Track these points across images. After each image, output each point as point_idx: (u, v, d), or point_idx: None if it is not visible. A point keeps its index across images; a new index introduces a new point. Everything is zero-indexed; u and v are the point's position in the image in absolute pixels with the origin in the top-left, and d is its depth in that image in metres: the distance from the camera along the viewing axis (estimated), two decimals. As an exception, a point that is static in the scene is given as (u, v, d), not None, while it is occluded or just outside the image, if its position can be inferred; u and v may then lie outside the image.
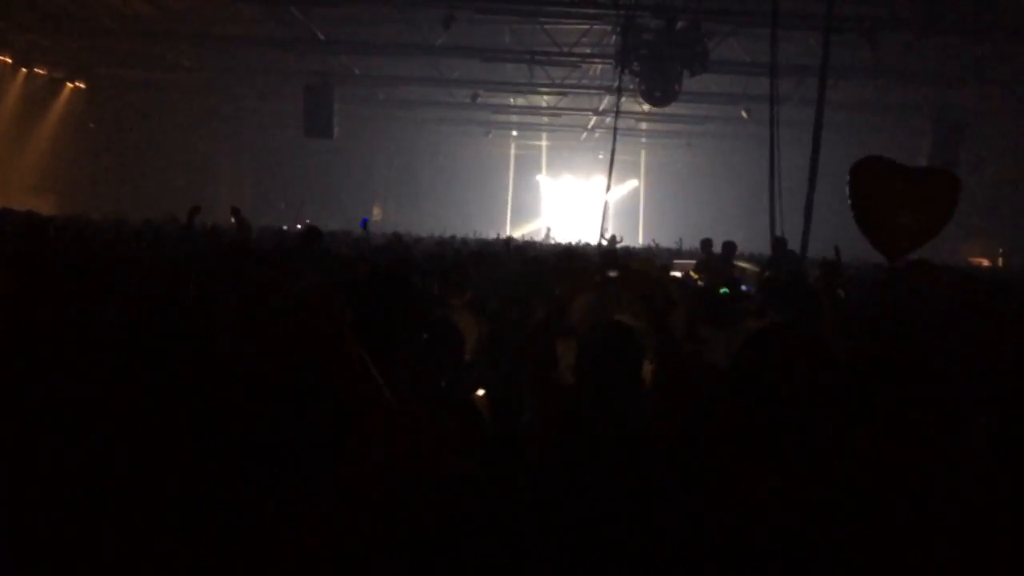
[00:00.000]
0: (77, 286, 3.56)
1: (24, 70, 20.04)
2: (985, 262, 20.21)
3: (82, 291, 3.36)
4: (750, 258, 11.51)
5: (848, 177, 2.97)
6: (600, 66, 17.89)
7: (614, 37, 14.45)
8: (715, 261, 10.05)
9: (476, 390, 3.10)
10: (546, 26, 15.61)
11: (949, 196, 2.83)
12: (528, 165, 32.25)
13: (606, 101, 20.22)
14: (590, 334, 2.65)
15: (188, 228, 6.94)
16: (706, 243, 11.10)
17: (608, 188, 15.64)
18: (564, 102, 21.91)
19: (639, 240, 26.00)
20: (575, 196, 31.79)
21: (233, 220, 7.35)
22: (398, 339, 2.11)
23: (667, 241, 19.40)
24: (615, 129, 14.18)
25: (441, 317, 2.96)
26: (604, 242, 14.81)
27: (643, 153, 30.95)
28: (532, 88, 20.14)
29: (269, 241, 10.29)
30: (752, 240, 15.50)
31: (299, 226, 16.49)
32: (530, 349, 2.72)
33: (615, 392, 2.47)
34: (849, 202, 2.95)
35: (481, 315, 4.25)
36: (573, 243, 18.71)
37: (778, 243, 10.15)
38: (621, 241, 15.49)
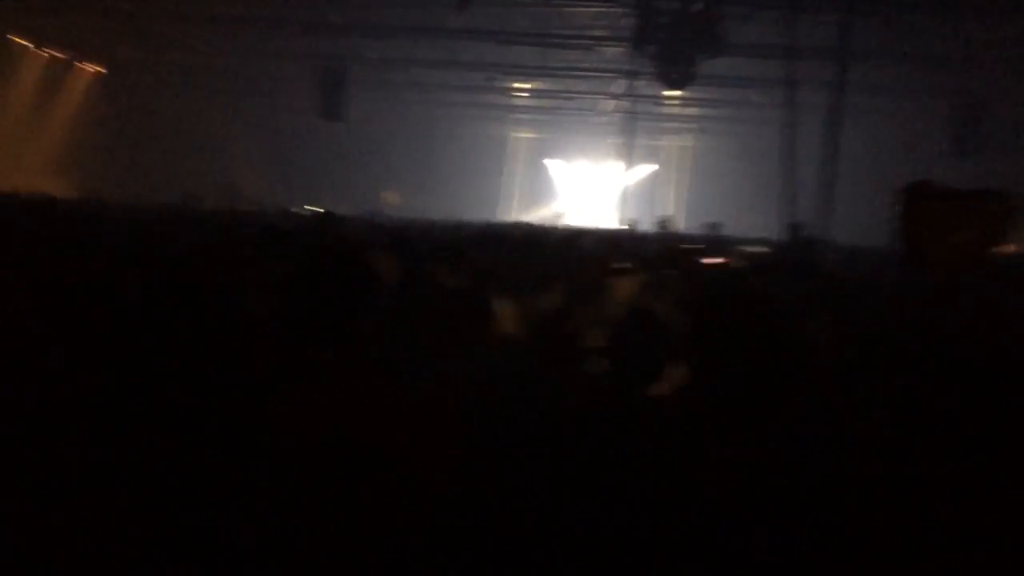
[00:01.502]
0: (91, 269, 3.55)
1: (42, 52, 20.13)
2: (1003, 249, 20.00)
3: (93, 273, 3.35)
4: (765, 242, 11.43)
5: (897, 202, 2.90)
6: (615, 49, 17.76)
7: (629, 20, 14.33)
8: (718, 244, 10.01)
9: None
10: (560, 9, 15.50)
11: (1004, 216, 2.76)
12: (542, 149, 32.10)
13: (621, 85, 20.09)
14: (622, 322, 2.63)
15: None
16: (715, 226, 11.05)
17: (623, 172, 15.56)
18: (579, 86, 21.78)
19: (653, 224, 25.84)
20: (589, 180, 31.63)
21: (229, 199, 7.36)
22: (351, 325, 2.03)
23: (683, 225, 19.27)
24: (630, 113, 14.11)
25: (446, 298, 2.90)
26: (626, 227, 14.77)
27: (657, 137, 30.74)
28: (546, 71, 20.02)
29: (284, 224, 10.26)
30: (767, 225, 15.37)
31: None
32: (552, 337, 2.69)
33: (649, 379, 2.45)
34: (896, 225, 2.88)
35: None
36: (588, 228, 18.60)
37: (794, 229, 10.08)
38: (637, 226, 15.45)
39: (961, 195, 2.84)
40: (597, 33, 16.53)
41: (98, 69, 22.24)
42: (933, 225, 2.72)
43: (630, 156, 14.65)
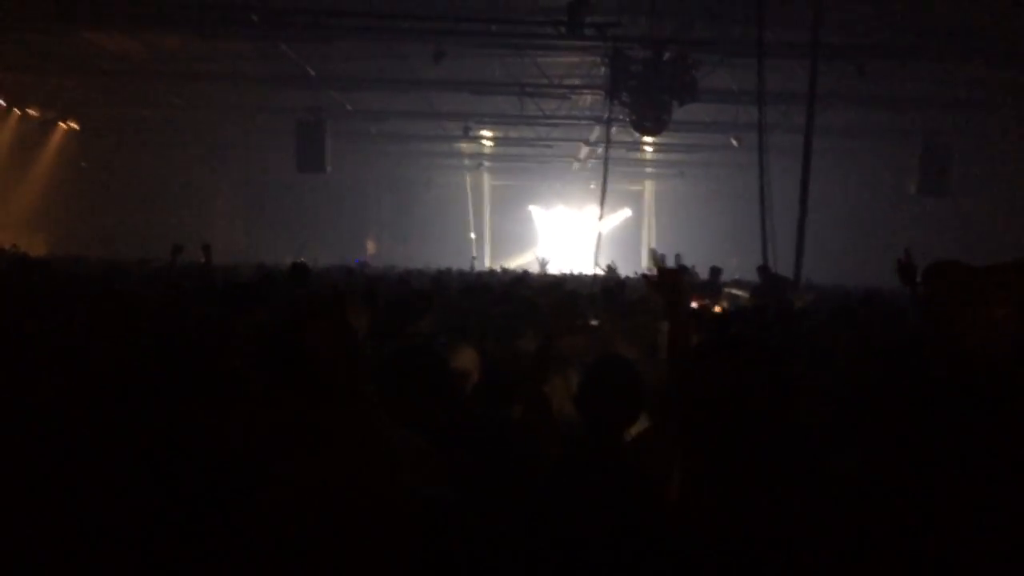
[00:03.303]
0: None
1: (16, 111, 20.15)
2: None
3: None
4: (741, 284, 11.54)
5: (921, 284, 2.91)
6: (590, 97, 18.03)
7: (603, 69, 14.58)
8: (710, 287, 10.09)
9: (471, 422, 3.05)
10: (536, 59, 15.74)
11: None
12: (521, 196, 32.38)
13: (597, 132, 20.36)
14: (591, 367, 2.64)
15: (172, 266, 6.97)
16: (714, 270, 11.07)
17: (600, 218, 15.68)
18: (555, 133, 22.04)
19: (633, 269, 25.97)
20: (568, 226, 31.89)
21: (203, 259, 7.29)
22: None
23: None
24: (606, 159, 14.28)
25: (409, 349, 2.91)
26: (600, 272, 14.81)
27: (634, 183, 31.11)
28: (523, 120, 20.27)
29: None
30: (745, 267, 15.51)
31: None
32: (522, 386, 2.70)
33: (617, 425, 2.46)
34: (924, 308, 2.87)
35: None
36: (567, 273, 18.65)
37: (761, 270, 10.24)
38: (616, 269, 15.48)
39: (988, 271, 2.82)
40: (572, 82, 16.79)
41: (74, 127, 22.25)
42: (965, 305, 2.69)
43: (607, 201, 14.79)
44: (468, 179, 31.05)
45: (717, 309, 6.91)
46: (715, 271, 10.89)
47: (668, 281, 2.60)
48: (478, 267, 20.94)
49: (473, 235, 31.34)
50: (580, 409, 2.50)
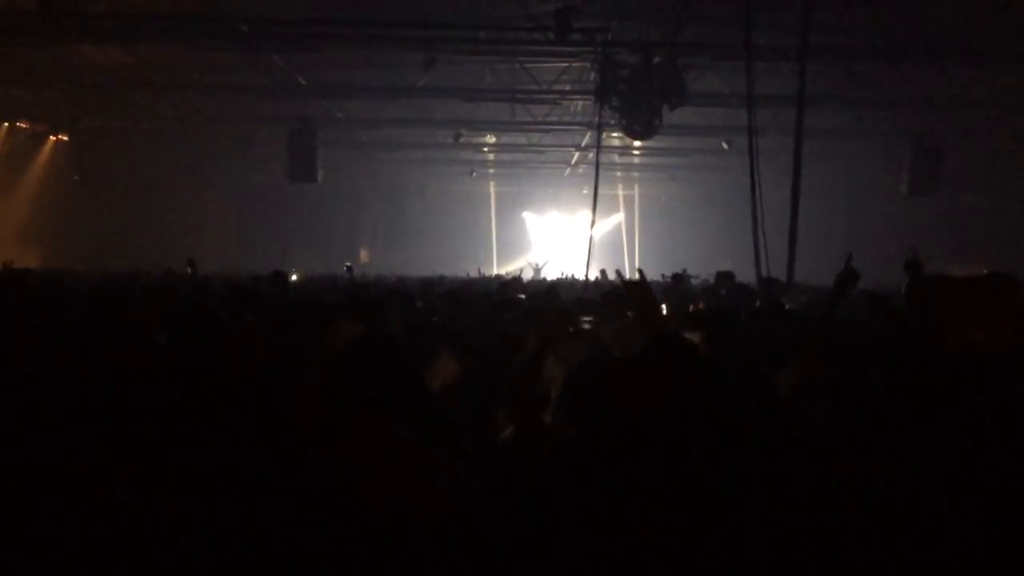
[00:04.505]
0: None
1: (6, 124, 20.10)
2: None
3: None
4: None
5: (906, 292, 2.91)
6: (581, 102, 18.06)
7: (593, 74, 14.61)
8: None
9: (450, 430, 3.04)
10: (526, 65, 15.77)
11: (1015, 303, 2.68)
12: (513, 202, 32.42)
13: (588, 137, 20.39)
14: (578, 370, 2.65)
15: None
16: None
17: (592, 223, 15.65)
18: (547, 139, 22.07)
19: (625, 273, 25.99)
20: (561, 232, 31.93)
21: (189, 270, 7.38)
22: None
23: (653, 273, 19.39)
24: (597, 164, 14.28)
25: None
26: (591, 278, 14.85)
27: (626, 187, 31.17)
28: (514, 126, 20.29)
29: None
30: (737, 270, 15.54)
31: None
32: (516, 390, 2.70)
33: (606, 427, 2.45)
34: (909, 314, 2.86)
35: (467, 355, 4.20)
36: (562, 277, 18.69)
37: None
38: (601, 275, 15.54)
39: (970, 282, 2.81)
40: (563, 88, 16.82)
41: (64, 139, 22.19)
42: (949, 318, 2.68)
43: (599, 206, 14.78)
44: (461, 187, 31.04)
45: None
46: (720, 276, 10.86)
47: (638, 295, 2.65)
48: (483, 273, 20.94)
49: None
50: (565, 412, 2.50)
